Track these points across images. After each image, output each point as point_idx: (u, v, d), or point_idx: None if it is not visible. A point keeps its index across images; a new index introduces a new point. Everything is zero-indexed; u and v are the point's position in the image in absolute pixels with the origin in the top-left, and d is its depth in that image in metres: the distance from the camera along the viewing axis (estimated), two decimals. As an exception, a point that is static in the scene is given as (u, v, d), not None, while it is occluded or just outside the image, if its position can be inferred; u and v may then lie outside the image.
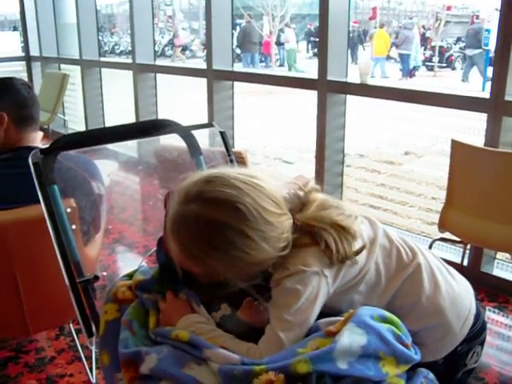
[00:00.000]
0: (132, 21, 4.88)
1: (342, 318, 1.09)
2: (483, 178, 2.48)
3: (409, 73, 14.06)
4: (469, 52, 12.78)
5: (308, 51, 20.45)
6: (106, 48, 19.15)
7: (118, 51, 19.50)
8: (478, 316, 1.25)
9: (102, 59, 6.09)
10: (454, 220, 2.57)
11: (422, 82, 13.01)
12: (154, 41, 5.18)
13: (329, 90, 3.34)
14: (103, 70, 5.82)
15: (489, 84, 2.92)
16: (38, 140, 1.95)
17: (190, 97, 5.59)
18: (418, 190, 4.08)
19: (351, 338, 1.02)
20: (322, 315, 1.11)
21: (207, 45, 4.23)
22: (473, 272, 2.83)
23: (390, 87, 3.30)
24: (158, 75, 5.03)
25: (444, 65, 16.09)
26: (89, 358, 2.17)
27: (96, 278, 1.27)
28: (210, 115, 4.23)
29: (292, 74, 7.11)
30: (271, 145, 6.44)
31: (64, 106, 6.38)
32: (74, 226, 1.37)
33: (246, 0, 17.67)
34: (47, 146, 1.30)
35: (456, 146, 2.52)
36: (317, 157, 3.51)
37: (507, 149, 2.63)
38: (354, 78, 3.37)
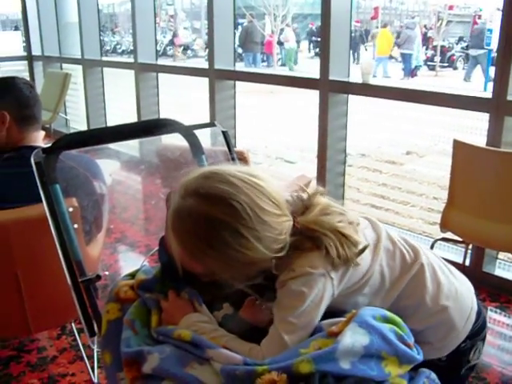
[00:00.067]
0: (134, 20, 4.88)
1: (345, 319, 1.09)
2: (485, 178, 2.47)
3: (410, 72, 14.05)
4: (473, 52, 12.74)
5: (310, 51, 20.45)
6: (108, 47, 19.16)
7: (119, 51, 19.52)
8: (480, 313, 1.26)
9: (104, 59, 6.10)
10: (456, 220, 2.57)
11: (424, 81, 12.99)
12: (156, 40, 5.18)
13: (331, 90, 3.33)
14: (105, 69, 5.82)
15: (490, 84, 2.92)
16: (39, 139, 1.95)
17: (191, 96, 5.59)
18: (419, 190, 4.08)
19: (353, 338, 1.02)
20: (325, 316, 1.11)
21: (209, 44, 4.23)
22: (474, 272, 2.83)
23: (392, 87, 3.29)
24: (160, 75, 5.04)
25: (445, 64, 16.08)
26: (90, 358, 2.18)
27: (98, 277, 1.27)
28: (212, 115, 4.23)
29: (294, 73, 7.10)
30: (273, 144, 6.43)
31: (66, 106, 6.39)
32: (76, 226, 1.37)
33: (247, -1, 17.69)
34: (49, 145, 1.31)
35: (458, 146, 2.52)
36: (318, 156, 3.51)
37: (509, 149, 2.62)
38: (355, 77, 3.37)
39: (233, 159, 1.50)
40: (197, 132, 1.51)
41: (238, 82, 4.25)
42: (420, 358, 1.09)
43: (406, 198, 4.02)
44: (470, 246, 2.80)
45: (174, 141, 1.53)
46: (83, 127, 5.96)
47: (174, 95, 5.45)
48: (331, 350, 1.00)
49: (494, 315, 2.65)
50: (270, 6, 18.20)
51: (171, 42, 19.22)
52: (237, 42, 13.68)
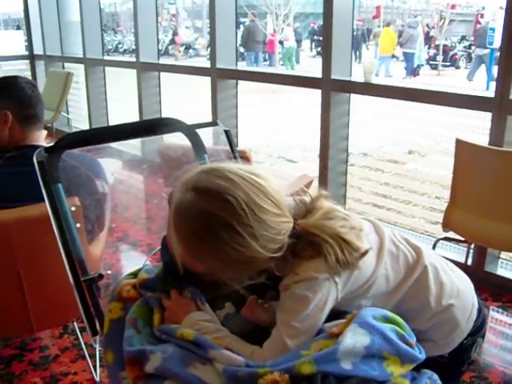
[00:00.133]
0: (136, 19, 4.88)
1: (345, 320, 1.08)
2: (488, 178, 2.47)
3: (413, 72, 14.03)
4: (478, 51, 12.70)
5: (312, 50, 20.44)
6: (110, 46, 19.18)
7: (121, 50, 19.53)
8: (480, 310, 1.27)
9: (106, 58, 6.10)
10: (458, 219, 2.57)
11: (426, 80, 12.98)
12: (158, 39, 5.18)
13: (333, 89, 3.33)
14: (107, 68, 5.82)
15: (493, 83, 2.92)
16: (42, 138, 1.95)
17: (193, 95, 5.60)
18: (421, 189, 4.08)
19: (354, 338, 1.02)
20: (328, 317, 1.10)
21: (211, 43, 4.23)
22: (477, 271, 2.83)
23: (394, 86, 3.28)
24: (162, 74, 5.04)
25: (448, 64, 16.06)
26: (93, 356, 2.18)
27: (100, 276, 1.27)
28: (214, 114, 4.23)
29: (296, 72, 7.10)
30: (275, 143, 6.44)
31: (68, 105, 6.40)
32: (78, 225, 1.37)
33: (249, -2, 17.69)
34: (52, 144, 1.30)
35: (460, 145, 2.52)
36: (320, 155, 3.51)
37: (512, 148, 2.63)
38: (357, 76, 3.37)
39: (235, 158, 1.50)
40: (199, 131, 1.51)
41: (239, 82, 4.25)
42: (422, 357, 1.08)
43: (408, 198, 4.02)
44: (472, 246, 2.80)
45: (177, 140, 1.53)
46: (85, 126, 5.97)
47: (175, 94, 5.45)
48: (332, 351, 1.00)
49: (496, 315, 2.65)
50: (272, 5, 18.20)
51: (172, 41, 19.22)
52: (239, 41, 13.68)
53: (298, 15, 21.73)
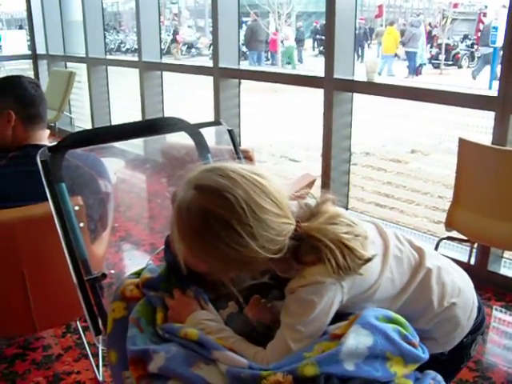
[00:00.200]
0: (138, 19, 4.88)
1: (348, 321, 1.08)
2: (491, 177, 2.46)
3: (415, 71, 14.02)
4: (484, 50, 12.65)
5: (314, 49, 20.43)
6: (112, 46, 19.19)
7: (123, 49, 19.54)
8: (480, 308, 1.27)
9: (109, 57, 6.10)
10: (461, 219, 2.56)
11: (429, 79, 12.97)
12: (161, 39, 5.18)
13: (335, 88, 3.33)
14: (109, 67, 5.83)
15: (496, 82, 2.91)
16: (45, 138, 1.95)
17: (195, 95, 5.60)
18: (424, 189, 4.08)
19: (357, 339, 1.02)
20: (332, 319, 1.10)
21: (213, 42, 4.23)
22: (480, 271, 2.82)
23: (397, 85, 3.28)
24: (164, 73, 5.04)
25: (450, 63, 16.03)
26: (95, 356, 2.18)
27: (104, 275, 1.27)
28: (217, 113, 4.23)
29: (299, 72, 7.10)
30: (277, 143, 6.44)
31: (70, 104, 6.40)
32: (81, 224, 1.37)
33: (251, -2, 17.68)
34: (55, 143, 1.30)
35: (463, 145, 2.51)
36: (323, 155, 3.51)
37: (515, 147, 2.62)
38: (360, 75, 3.37)
39: (239, 158, 1.50)
40: (201, 130, 1.51)
41: (241, 80, 4.25)
42: (426, 357, 1.08)
43: (410, 197, 4.02)
44: (476, 245, 2.79)
45: (180, 139, 1.53)
46: (88, 126, 5.97)
47: (178, 93, 5.45)
48: (335, 352, 1.00)
49: (499, 314, 2.64)
50: (274, 4, 18.18)
51: (173, 40, 19.23)
52: (241, 41, 13.68)
53: (300, 14, 21.72)
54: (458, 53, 16.31)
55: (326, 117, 3.40)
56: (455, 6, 19.26)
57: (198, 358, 1.06)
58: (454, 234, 2.66)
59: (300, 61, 17.79)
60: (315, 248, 1.05)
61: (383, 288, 1.14)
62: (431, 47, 16.87)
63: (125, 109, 5.88)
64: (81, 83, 6.10)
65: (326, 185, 3.47)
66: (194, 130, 1.49)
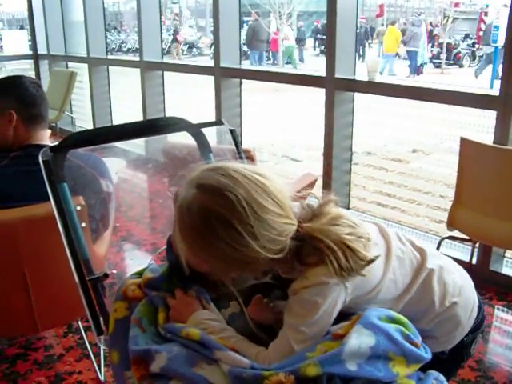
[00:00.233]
0: (139, 18, 4.88)
1: (350, 321, 1.08)
2: (492, 176, 2.46)
3: (416, 70, 14.01)
4: (486, 49, 12.63)
5: (315, 48, 20.43)
6: (113, 46, 19.19)
7: (124, 49, 19.55)
8: (480, 306, 1.28)
9: (110, 57, 6.10)
10: (463, 218, 2.56)
11: (430, 79, 12.96)
12: (162, 38, 5.18)
13: (337, 88, 3.33)
14: (110, 67, 5.83)
15: (497, 81, 2.91)
16: (46, 138, 1.96)
17: (197, 94, 5.60)
18: (426, 188, 4.08)
19: (359, 339, 1.02)
20: (335, 319, 1.10)
21: (215, 42, 4.23)
22: (481, 270, 2.82)
23: (398, 85, 3.28)
24: (166, 73, 5.04)
25: (451, 62, 16.02)
26: (97, 356, 2.18)
27: (106, 275, 1.27)
28: (218, 113, 4.23)
29: (300, 71, 7.10)
30: (279, 143, 6.44)
31: (71, 104, 6.41)
32: (83, 224, 1.37)
33: (253, -3, 17.68)
34: (57, 143, 1.30)
35: (465, 144, 2.51)
36: (324, 154, 3.51)
37: (517, 146, 2.61)
38: (361, 75, 3.36)
39: (240, 157, 1.50)
40: (203, 130, 1.51)
41: (242, 80, 4.25)
42: (428, 356, 1.08)
43: (412, 196, 4.01)
44: (477, 245, 2.79)
45: (182, 139, 1.53)
46: (89, 126, 5.98)
47: (179, 93, 5.45)
48: (337, 353, 1.00)
49: (501, 314, 2.64)
50: (276, 4, 18.18)
51: (174, 40, 19.23)
52: (243, 40, 13.68)
53: (301, 14, 21.72)
54: (460, 52, 16.31)
55: (328, 116, 3.40)
56: (456, 5, 19.25)
57: (200, 357, 1.06)
58: (456, 233, 2.65)
59: (301, 60, 17.79)
60: (317, 249, 1.05)
61: (386, 289, 1.14)
62: (432, 46, 16.87)
63: (126, 109, 5.89)
64: (82, 83, 6.11)
65: (327, 184, 3.47)
66: (195, 130, 1.48)
